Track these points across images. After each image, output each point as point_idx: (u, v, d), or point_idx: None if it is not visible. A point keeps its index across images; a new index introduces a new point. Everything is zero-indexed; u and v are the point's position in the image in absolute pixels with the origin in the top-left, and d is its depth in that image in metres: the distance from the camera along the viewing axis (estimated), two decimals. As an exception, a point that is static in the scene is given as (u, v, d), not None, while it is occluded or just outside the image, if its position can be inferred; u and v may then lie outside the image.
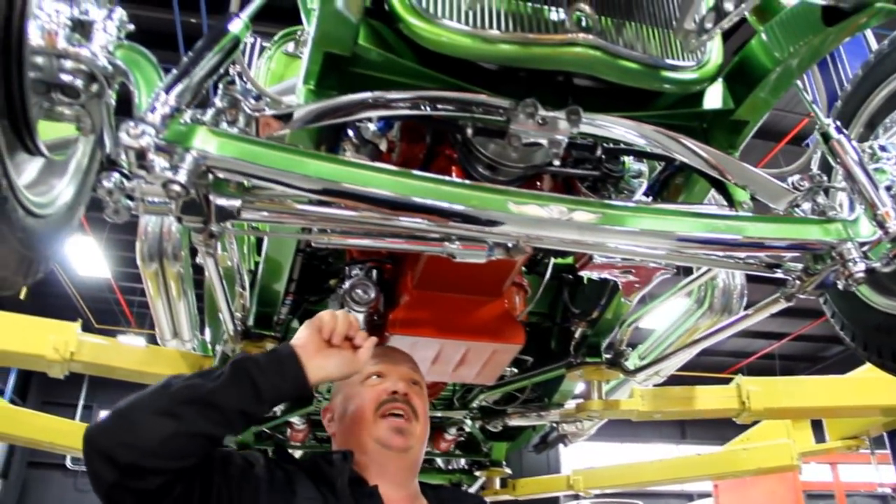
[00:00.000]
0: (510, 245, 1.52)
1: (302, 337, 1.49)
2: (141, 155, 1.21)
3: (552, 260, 2.56)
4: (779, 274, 1.77)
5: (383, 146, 1.87)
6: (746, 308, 2.30)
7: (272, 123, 1.42)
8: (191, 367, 2.30)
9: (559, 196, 1.46)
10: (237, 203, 1.37)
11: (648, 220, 1.45)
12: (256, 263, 2.42)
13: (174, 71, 1.32)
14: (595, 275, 1.93)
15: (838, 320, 2.02)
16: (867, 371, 2.85)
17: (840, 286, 1.63)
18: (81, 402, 14.54)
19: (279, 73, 3.00)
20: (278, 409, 2.76)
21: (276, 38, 3.13)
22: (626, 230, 1.44)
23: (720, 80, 1.66)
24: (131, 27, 1.46)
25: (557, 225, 1.41)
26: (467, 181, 1.43)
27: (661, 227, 1.45)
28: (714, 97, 1.63)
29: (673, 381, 2.84)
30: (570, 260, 2.72)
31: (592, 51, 1.39)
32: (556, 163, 1.59)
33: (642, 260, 1.83)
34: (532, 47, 1.38)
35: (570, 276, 2.73)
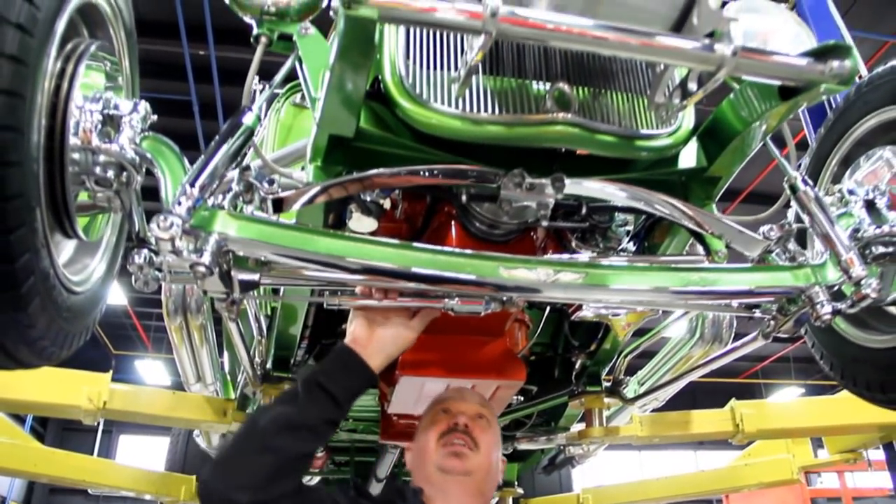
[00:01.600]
0: (504, 299, 1.68)
1: (352, 330, 1.67)
2: (170, 243, 1.37)
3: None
4: (757, 314, 1.91)
5: (387, 205, 2.02)
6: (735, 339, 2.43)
7: (286, 201, 1.58)
8: (215, 411, 2.45)
9: (546, 259, 1.60)
10: (256, 277, 1.52)
11: (629, 278, 1.59)
12: (273, 308, 2.57)
13: (196, 164, 1.47)
14: (588, 317, 2.06)
15: (818, 351, 2.15)
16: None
17: (810, 325, 1.78)
18: (101, 428, 14.73)
19: (288, 123, 3.16)
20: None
21: (284, 89, 3.29)
22: (607, 288, 1.58)
23: (694, 138, 1.80)
24: (154, 118, 1.62)
25: (545, 286, 1.56)
26: (462, 250, 1.57)
27: (641, 284, 1.59)
28: (689, 156, 1.78)
29: (688, 388, 2.96)
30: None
31: (571, 128, 1.53)
32: (544, 224, 1.73)
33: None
34: (516, 127, 1.53)
35: (569, 311, 2.88)
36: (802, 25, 1.86)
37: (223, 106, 10.65)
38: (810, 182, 1.78)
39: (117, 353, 13.73)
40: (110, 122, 1.56)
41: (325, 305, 1.72)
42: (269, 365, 2.55)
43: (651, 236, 2.06)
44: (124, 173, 1.53)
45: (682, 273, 1.63)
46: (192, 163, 1.54)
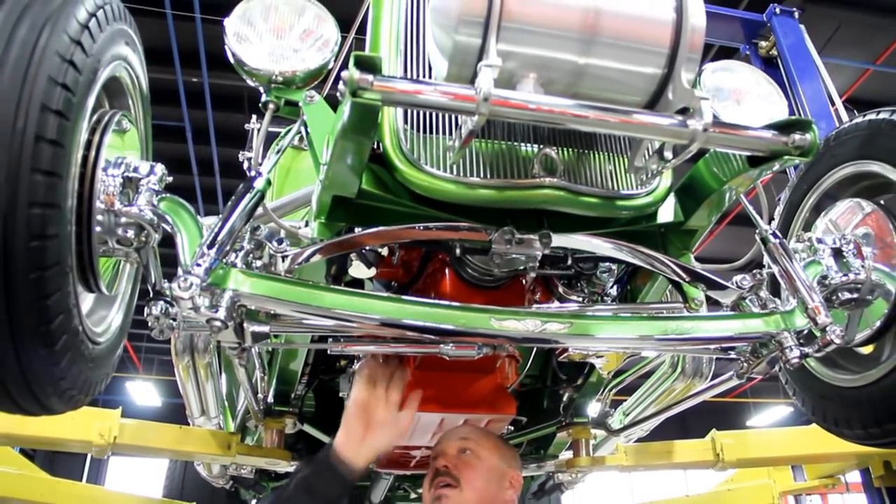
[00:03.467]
0: (496, 345, 1.80)
1: (347, 425, 1.82)
2: (190, 301, 1.49)
3: None
4: (731, 355, 2.05)
5: (385, 252, 2.16)
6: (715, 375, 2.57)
7: (293, 257, 1.70)
8: (219, 445, 2.56)
9: (534, 311, 1.73)
10: (266, 329, 1.64)
11: (612, 327, 1.73)
12: (273, 349, 2.68)
13: (212, 226, 1.60)
14: (573, 359, 2.19)
15: (791, 387, 2.28)
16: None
17: (778, 367, 1.92)
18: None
19: (286, 165, 3.29)
20: (293, 469, 3.01)
21: (283, 132, 3.42)
22: (592, 336, 1.71)
23: (672, 195, 1.94)
24: (170, 179, 1.74)
25: (533, 336, 1.68)
26: (455, 304, 1.70)
27: (623, 332, 1.72)
28: (667, 211, 1.91)
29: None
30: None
31: (557, 191, 1.67)
32: (532, 274, 1.87)
33: (612, 348, 2.10)
34: (506, 191, 1.66)
35: (556, 351, 3.01)
36: (773, 85, 2.02)
37: (215, 131, 10.78)
38: (780, 235, 1.92)
39: (108, 374, 13.72)
40: (129, 185, 1.68)
41: (328, 351, 1.84)
42: (270, 399, 2.65)
43: (633, 281, 2.20)
44: (143, 233, 1.65)
45: (662, 322, 1.77)
46: (196, 197, 1.67)
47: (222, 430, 2.86)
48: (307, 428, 2.95)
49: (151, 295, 1.69)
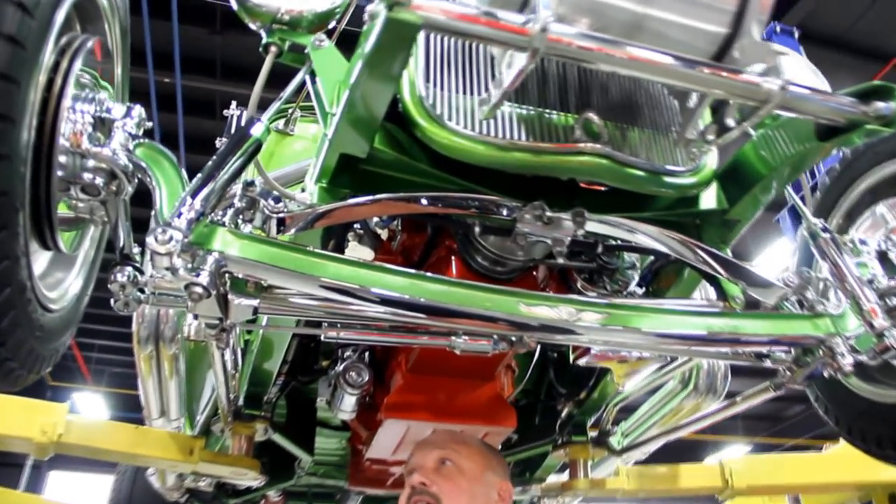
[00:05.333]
0: (513, 339, 1.57)
1: None
2: (167, 258, 1.23)
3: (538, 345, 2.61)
4: (767, 363, 1.85)
5: (384, 236, 1.91)
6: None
7: (289, 221, 1.45)
8: (180, 449, 2.26)
9: (568, 297, 1.50)
10: (255, 302, 1.38)
11: (652, 320, 1.51)
12: (246, 342, 2.41)
13: (199, 175, 1.35)
14: (591, 363, 1.96)
15: (822, 405, 2.09)
16: (843, 448, 2.93)
17: (827, 376, 1.71)
18: (30, 462, 13.94)
19: (270, 149, 3.03)
20: (258, 483, 2.71)
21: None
22: (631, 330, 1.49)
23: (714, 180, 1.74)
24: (149, 125, 1.49)
25: (566, 325, 1.46)
26: (480, 284, 1.47)
27: (664, 327, 1.50)
28: (709, 198, 1.71)
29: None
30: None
31: (600, 159, 1.46)
32: (561, 260, 1.64)
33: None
34: (543, 156, 1.44)
35: (556, 356, 2.78)
36: (818, 74, 1.84)
37: (185, 136, 10.43)
38: (830, 230, 1.73)
39: (54, 383, 13.08)
40: (101, 127, 1.43)
41: (322, 338, 1.59)
42: (240, 401, 2.37)
43: (657, 280, 1.99)
44: (115, 181, 1.39)
45: (707, 318, 1.56)
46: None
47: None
48: (277, 438, 2.66)
49: (118, 259, 1.43)
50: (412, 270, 1.42)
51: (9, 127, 1.06)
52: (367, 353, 2.33)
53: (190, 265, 1.26)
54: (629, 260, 1.94)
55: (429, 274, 1.44)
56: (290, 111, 3.11)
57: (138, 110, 1.47)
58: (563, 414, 2.65)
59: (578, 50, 1.19)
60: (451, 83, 1.52)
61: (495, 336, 1.57)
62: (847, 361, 1.60)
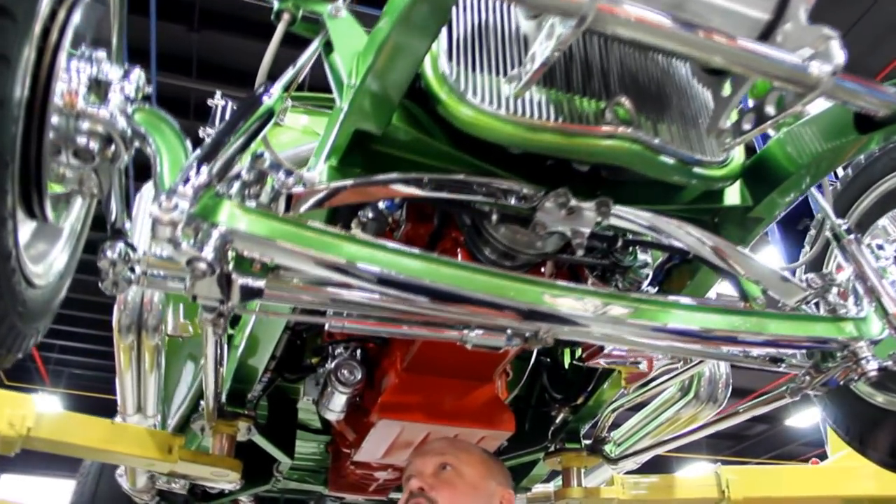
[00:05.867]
0: (528, 335, 1.48)
1: None
2: (171, 230, 1.12)
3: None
4: (781, 368, 1.79)
5: (388, 224, 1.82)
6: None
7: (298, 198, 1.35)
8: (158, 446, 2.12)
9: (594, 289, 1.42)
10: (261, 284, 1.28)
11: (679, 316, 1.43)
12: (230, 336, 2.29)
13: (206, 143, 1.24)
14: (602, 364, 1.88)
15: (831, 414, 2.03)
16: (839, 461, 2.90)
17: (849, 383, 1.66)
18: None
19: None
20: (234, 486, 2.58)
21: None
22: (657, 326, 1.41)
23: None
24: (149, 90, 1.38)
25: (591, 319, 1.37)
26: (503, 271, 1.38)
27: (691, 324, 1.43)
28: (733, 193, 1.65)
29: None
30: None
31: (633, 145, 1.38)
32: (580, 252, 1.56)
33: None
34: (573, 138, 1.36)
35: (549, 360, 2.70)
36: None
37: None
38: (854, 231, 1.68)
39: (10, 383, 12.65)
40: (97, 89, 1.31)
41: (326, 327, 1.48)
42: (222, 399, 2.24)
43: (669, 280, 1.92)
44: (110, 147, 1.27)
45: (734, 316, 1.49)
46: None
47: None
48: (257, 439, 2.53)
49: (109, 233, 1.31)
50: (433, 254, 1.32)
51: (3, 68, 0.94)
52: (358, 351, 2.23)
53: (192, 240, 1.15)
54: (642, 258, 1.86)
55: (450, 259, 1.34)
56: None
57: (137, 73, 1.36)
58: (558, 420, 2.57)
59: (627, 21, 1.11)
60: (475, 62, 1.43)
61: (509, 331, 1.48)
62: (872, 367, 1.55)
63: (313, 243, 1.23)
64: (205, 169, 1.17)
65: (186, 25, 9.17)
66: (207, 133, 3.32)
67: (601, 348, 1.76)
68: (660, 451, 2.46)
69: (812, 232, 2.20)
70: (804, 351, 1.64)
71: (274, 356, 2.17)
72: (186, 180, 1.14)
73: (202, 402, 2.29)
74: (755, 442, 16.79)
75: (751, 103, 1.33)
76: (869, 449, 1.93)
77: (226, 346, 2.15)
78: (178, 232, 1.13)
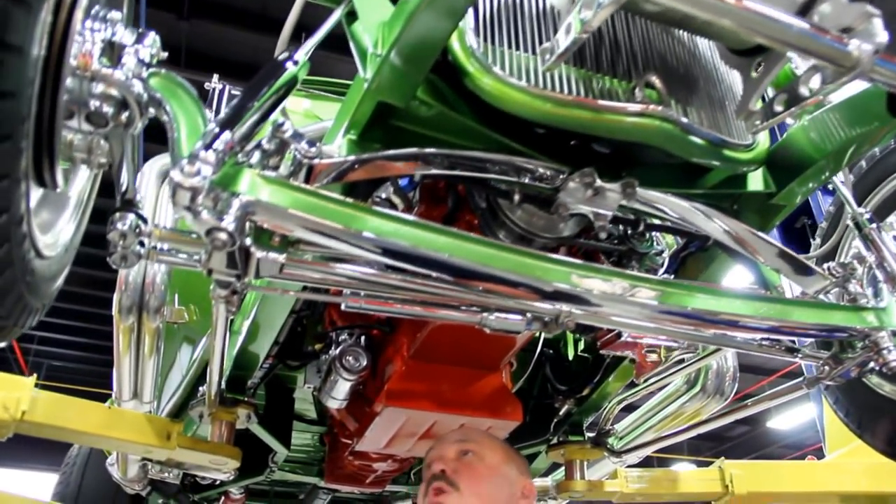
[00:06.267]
0: (547, 319, 1.44)
1: None
2: (191, 197, 1.07)
3: (542, 336, 2.50)
4: (797, 358, 1.77)
5: (401, 206, 1.77)
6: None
7: (319, 170, 1.30)
8: (157, 432, 2.06)
9: (621, 271, 1.38)
10: (281, 258, 1.23)
11: (705, 301, 1.40)
12: (231, 320, 2.23)
13: (229, 108, 1.19)
14: (616, 353, 1.85)
15: (842, 407, 2.01)
16: (843, 456, 2.89)
17: (864, 374, 1.65)
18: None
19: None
20: (228, 476, 2.52)
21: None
22: (683, 311, 1.38)
23: None
24: (165, 55, 1.32)
25: (619, 301, 1.34)
26: (531, 250, 1.34)
27: (718, 309, 1.40)
28: (756, 179, 1.62)
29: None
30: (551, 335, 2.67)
31: (663, 123, 1.34)
32: (603, 235, 1.52)
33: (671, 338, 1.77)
34: (604, 114, 1.32)
35: (551, 351, 2.67)
36: None
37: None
38: (876, 220, 1.66)
39: (-14, 375, 12.42)
40: (110, 52, 1.25)
41: (343, 306, 1.43)
42: (222, 385, 2.18)
43: (684, 268, 1.89)
44: (124, 112, 1.22)
45: (761, 302, 1.46)
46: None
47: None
48: (254, 427, 2.48)
49: (119, 203, 1.26)
50: (460, 231, 1.28)
51: (24, 15, 0.89)
52: (363, 338, 2.18)
53: (211, 209, 1.10)
54: (658, 246, 1.83)
55: (477, 236, 1.30)
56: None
57: (153, 37, 1.30)
58: (562, 412, 2.54)
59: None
60: (503, 37, 1.39)
61: (529, 315, 1.45)
62: (893, 357, 1.53)
63: (337, 216, 1.18)
64: (227, 135, 1.12)
65: (176, 14, 9.06)
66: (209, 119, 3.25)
67: (618, 335, 1.73)
68: (664, 444, 2.43)
69: (823, 225, 2.18)
70: (821, 340, 1.62)
71: (277, 341, 2.12)
72: (208, 146, 1.09)
73: (201, 389, 2.24)
74: (737, 443, 16.90)
75: (770, 92, 1.29)
76: (882, 443, 1.91)
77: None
78: (199, 199, 1.08)
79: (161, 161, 2.15)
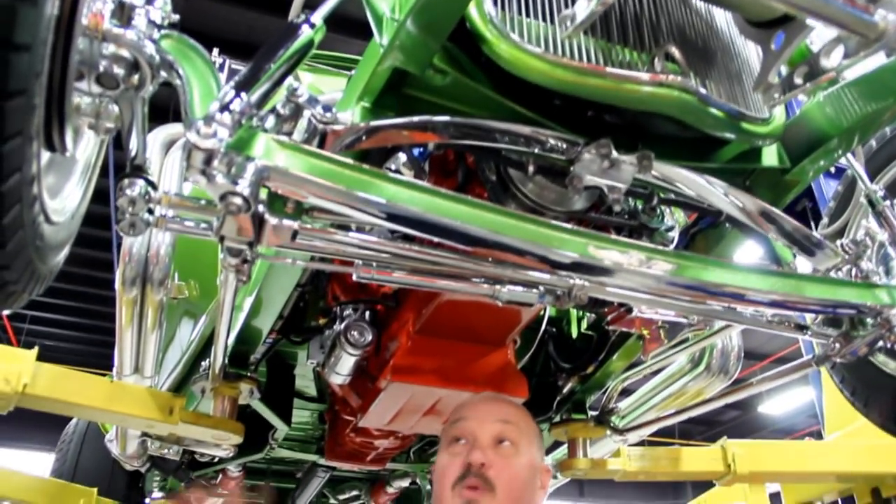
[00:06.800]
0: (560, 293, 1.43)
1: None
2: (207, 159, 1.05)
3: (546, 313, 2.49)
4: (807, 336, 1.76)
5: (411, 176, 1.75)
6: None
7: (334, 136, 1.28)
8: (160, 407, 2.04)
9: (638, 243, 1.37)
10: (295, 225, 1.21)
11: (722, 275, 1.39)
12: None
13: (244, 70, 1.16)
14: (624, 329, 1.84)
15: (848, 386, 2.01)
16: (845, 437, 2.91)
17: (873, 352, 1.64)
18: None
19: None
20: (228, 453, 2.51)
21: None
22: (701, 284, 1.37)
23: None
24: (176, 17, 1.29)
25: (635, 273, 1.32)
26: (547, 220, 1.32)
27: (735, 283, 1.39)
28: (770, 154, 1.61)
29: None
30: (553, 312, 2.66)
31: (683, 94, 1.32)
32: (617, 208, 1.51)
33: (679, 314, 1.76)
34: (624, 83, 1.30)
35: (554, 329, 2.66)
36: None
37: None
38: (890, 196, 1.65)
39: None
40: (120, 13, 1.22)
41: (354, 277, 1.41)
42: (225, 360, 2.17)
43: (693, 245, 1.88)
44: (135, 74, 1.19)
45: (776, 277, 1.45)
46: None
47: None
48: (255, 404, 2.47)
49: (129, 169, 1.23)
50: (477, 199, 1.26)
51: (33, 11, 0.86)
52: (368, 313, 2.17)
53: (226, 174, 1.08)
54: (669, 222, 1.82)
55: (495, 205, 1.29)
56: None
57: (164, -1, 1.27)
58: (565, 390, 2.53)
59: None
60: (522, 5, 1.36)
61: (541, 287, 1.43)
62: None
63: (353, 182, 1.16)
64: (243, 97, 1.09)
65: (171, -10, 8.93)
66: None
67: (628, 311, 1.71)
68: (668, 423, 2.43)
69: (831, 204, 2.17)
70: (829, 318, 1.61)
71: (281, 316, 2.10)
72: (224, 108, 1.07)
73: (203, 364, 2.22)
74: (728, 428, 17.02)
75: (783, 70, 1.28)
76: (891, 422, 1.91)
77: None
78: (214, 163, 1.05)
79: (165, 131, 2.12)
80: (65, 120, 1.13)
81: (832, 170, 2.68)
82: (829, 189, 4.56)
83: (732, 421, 17.03)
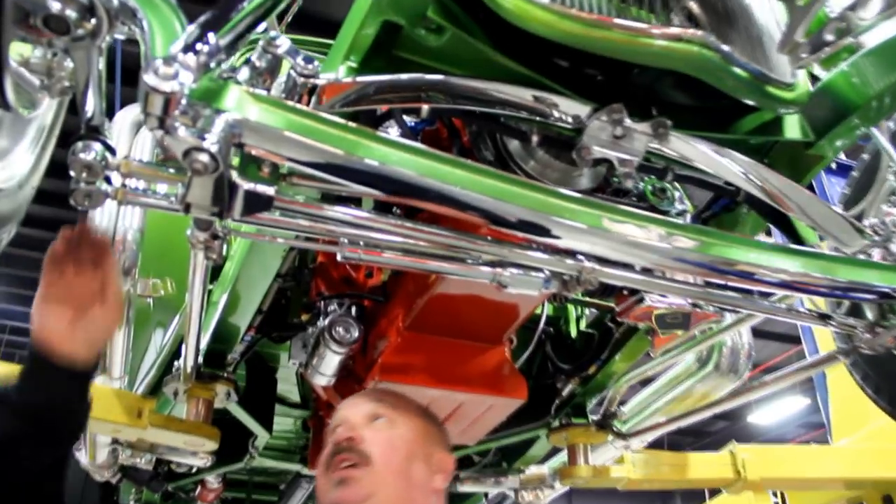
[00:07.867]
0: (567, 278, 1.29)
1: (41, 315, 1.23)
2: (166, 106, 0.90)
3: (545, 311, 2.35)
4: (830, 326, 1.63)
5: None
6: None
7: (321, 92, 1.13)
8: (126, 409, 1.87)
9: (655, 217, 1.23)
10: (271, 191, 1.06)
11: (750, 254, 1.25)
12: (209, 292, 2.05)
13: (210, 12, 1.02)
14: (633, 323, 1.70)
15: (871, 384, 1.88)
16: (856, 442, 2.78)
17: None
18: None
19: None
20: (204, 462, 2.35)
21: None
22: (728, 264, 1.23)
23: None
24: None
25: (653, 250, 1.19)
26: (557, 189, 1.18)
27: (767, 263, 1.25)
28: (793, 126, 1.48)
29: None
30: (551, 310, 2.52)
31: (703, 50, 1.19)
32: (629, 183, 1.37)
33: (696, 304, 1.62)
34: (640, 38, 1.17)
35: (551, 329, 2.52)
36: None
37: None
38: (921, 176, 1.53)
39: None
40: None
41: (338, 257, 1.26)
42: (199, 359, 2.01)
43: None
44: (91, 19, 1.04)
45: (805, 258, 1.31)
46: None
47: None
48: (234, 408, 2.30)
49: (83, 130, 1.08)
50: (474, 163, 1.12)
51: None
52: (354, 308, 2.02)
53: (191, 127, 0.93)
54: (679, 207, 1.69)
55: (499, 171, 1.14)
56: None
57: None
58: (564, 393, 2.39)
59: None
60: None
61: (546, 272, 1.29)
62: None
63: (338, 141, 1.01)
64: (211, 38, 0.95)
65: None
66: None
67: (640, 300, 1.57)
68: (673, 427, 2.29)
69: (847, 191, 2.05)
70: (875, 301, 1.48)
71: (260, 310, 1.95)
72: (188, 48, 0.92)
73: (176, 364, 2.06)
74: (716, 438, 16.89)
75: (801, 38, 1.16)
76: None
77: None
78: (176, 112, 0.90)
79: (134, 110, 1.97)
80: (4, 72, 0.98)
81: (833, 166, 2.55)
82: (831, 187, 4.47)
83: (721, 431, 16.91)
